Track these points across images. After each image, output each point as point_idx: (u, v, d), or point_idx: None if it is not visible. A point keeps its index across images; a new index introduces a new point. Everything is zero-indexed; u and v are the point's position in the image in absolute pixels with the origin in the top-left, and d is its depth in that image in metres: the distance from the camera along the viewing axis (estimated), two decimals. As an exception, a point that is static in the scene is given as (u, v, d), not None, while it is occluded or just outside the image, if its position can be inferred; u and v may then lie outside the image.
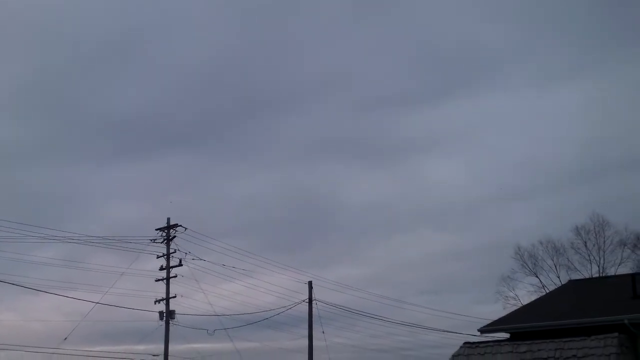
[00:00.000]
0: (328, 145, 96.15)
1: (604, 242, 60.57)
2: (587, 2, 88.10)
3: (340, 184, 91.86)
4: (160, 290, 40.64)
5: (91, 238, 40.44)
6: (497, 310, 58.13)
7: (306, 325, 43.20)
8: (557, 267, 61.71)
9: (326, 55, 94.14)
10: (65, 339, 37.13)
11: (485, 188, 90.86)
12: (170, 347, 40.44)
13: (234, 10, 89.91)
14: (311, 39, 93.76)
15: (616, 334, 21.10)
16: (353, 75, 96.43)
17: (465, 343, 24.60)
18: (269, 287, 51.50)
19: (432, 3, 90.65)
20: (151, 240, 40.65)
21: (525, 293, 61.47)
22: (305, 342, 43.16)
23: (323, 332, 43.07)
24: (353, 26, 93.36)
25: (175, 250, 40.71)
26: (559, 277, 60.54)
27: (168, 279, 40.56)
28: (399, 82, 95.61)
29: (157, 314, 40.19)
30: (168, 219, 41.15)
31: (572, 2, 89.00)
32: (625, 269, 57.02)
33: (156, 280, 40.86)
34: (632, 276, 26.32)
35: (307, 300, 43.09)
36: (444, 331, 44.70)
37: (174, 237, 40.87)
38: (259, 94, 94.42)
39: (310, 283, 43.55)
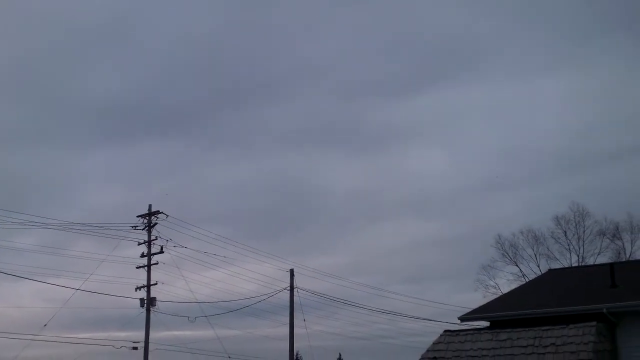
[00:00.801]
0: (311, 133, 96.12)
1: (584, 231, 61.14)
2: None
3: (322, 172, 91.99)
4: (141, 277, 40.58)
5: (72, 224, 40.22)
6: (477, 299, 58.62)
7: (287, 313, 43.33)
8: (537, 256, 62.23)
9: (309, 43, 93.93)
10: (45, 325, 36.96)
11: (466, 177, 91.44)
12: (151, 334, 40.40)
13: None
14: (294, 27, 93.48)
15: (594, 323, 21.29)
16: (336, 63, 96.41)
17: (445, 331, 24.74)
18: (251, 275, 51.51)
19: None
20: (132, 227, 40.49)
21: (505, 282, 61.98)
22: (287, 329, 43.31)
23: (304, 320, 43.27)
24: (336, 14, 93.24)
25: (156, 237, 40.58)
26: (538, 266, 61.08)
27: (149, 266, 40.40)
28: (381, 71, 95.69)
29: (138, 301, 40.09)
30: (150, 206, 41.00)
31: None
32: (604, 259, 57.68)
33: (137, 268, 40.71)
34: (611, 265, 26.55)
35: (289, 288, 43.16)
36: (425, 319, 45.07)
37: (156, 224, 40.72)
38: (242, 82, 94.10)
39: (291, 271, 43.64)
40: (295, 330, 43.08)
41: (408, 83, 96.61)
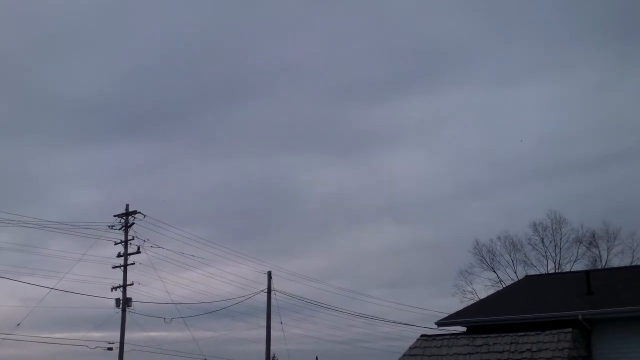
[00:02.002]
0: (291, 135, 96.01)
1: (561, 238, 61.57)
2: (551, 3, 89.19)
3: (302, 174, 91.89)
4: (117, 277, 40.28)
5: (48, 223, 39.81)
6: (455, 304, 58.76)
7: (264, 315, 43.15)
8: (514, 262, 62.56)
9: (291, 45, 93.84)
10: (19, 324, 36.55)
11: (446, 182, 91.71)
12: (127, 335, 40.09)
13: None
14: (276, 28, 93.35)
15: (570, 329, 21.41)
16: (318, 66, 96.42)
17: (422, 336, 24.74)
18: (229, 277, 51.35)
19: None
20: (109, 226, 40.18)
21: (483, 287, 62.24)
22: (264, 332, 43.13)
23: (281, 323, 43.06)
24: (319, 16, 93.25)
25: (133, 237, 40.31)
26: (515, 273, 61.38)
27: (125, 266, 40.10)
28: (363, 75, 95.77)
29: (114, 301, 39.77)
30: (127, 206, 40.71)
31: (536, 2, 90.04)
32: (580, 266, 58.11)
33: (113, 267, 40.40)
34: (587, 273, 26.73)
35: (266, 290, 43.00)
36: (402, 324, 45.03)
37: (133, 224, 40.44)
38: (222, 82, 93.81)
39: (269, 273, 43.48)
40: (272, 333, 42.95)
41: (390, 87, 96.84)
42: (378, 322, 46.92)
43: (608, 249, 59.79)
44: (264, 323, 43.09)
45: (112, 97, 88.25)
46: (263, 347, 43.29)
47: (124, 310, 39.57)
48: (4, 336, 36.13)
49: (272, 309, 42.89)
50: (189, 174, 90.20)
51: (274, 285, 43.18)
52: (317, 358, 75.46)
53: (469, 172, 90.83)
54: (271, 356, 45.67)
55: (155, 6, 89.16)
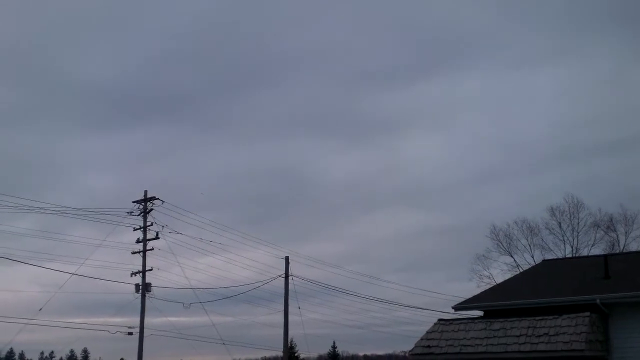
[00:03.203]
0: (308, 120, 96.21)
1: (578, 223, 61.35)
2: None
3: (319, 159, 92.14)
4: (136, 263, 40.69)
5: (68, 209, 40.22)
6: (472, 289, 58.91)
7: (282, 301, 43.42)
8: (532, 246, 62.45)
9: (308, 31, 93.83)
10: (40, 309, 37.05)
11: (462, 167, 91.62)
12: (146, 320, 40.54)
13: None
14: (292, 14, 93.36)
15: (588, 314, 21.43)
16: (335, 51, 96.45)
17: (439, 320, 24.86)
18: (246, 262, 51.64)
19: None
20: (128, 212, 40.52)
21: (500, 272, 62.22)
22: (281, 317, 43.42)
23: (299, 308, 43.36)
24: (337, 2, 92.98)
25: (152, 223, 40.63)
26: (532, 257, 61.31)
27: (144, 251, 40.47)
28: (379, 60, 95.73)
29: (134, 287, 40.16)
30: (145, 192, 41.03)
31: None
32: (598, 250, 57.94)
33: (132, 253, 40.77)
34: (605, 257, 26.69)
35: (284, 276, 43.25)
36: (419, 308, 45.39)
37: (151, 209, 40.76)
38: (238, 68, 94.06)
39: (287, 258, 43.71)
40: (290, 318, 43.24)
41: (406, 73, 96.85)
42: (394, 306, 47.20)
43: (626, 233, 59.58)
44: (282, 308, 43.40)
45: (129, 84, 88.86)
46: (281, 331, 43.64)
47: (143, 296, 39.97)
48: (26, 321, 36.69)
49: (290, 294, 43.20)
50: (206, 159, 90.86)
51: (292, 270, 43.47)
52: (334, 342, 75.69)
53: (485, 156, 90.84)
54: (289, 341, 46.02)
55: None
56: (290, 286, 43.13)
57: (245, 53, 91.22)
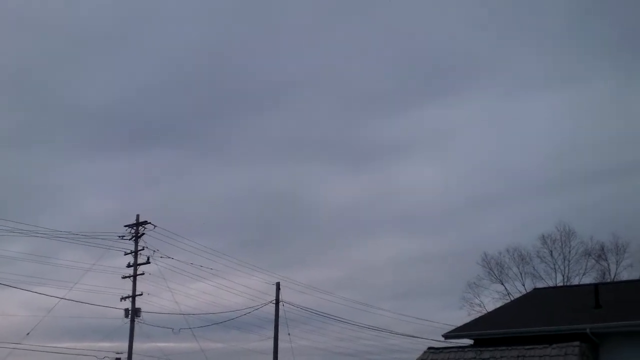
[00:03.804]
0: (303, 146, 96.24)
1: (569, 251, 61.38)
2: (562, 15, 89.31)
3: (313, 185, 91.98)
4: (127, 287, 40.43)
5: (59, 233, 40.06)
6: (462, 317, 58.65)
7: (273, 327, 43.19)
8: (523, 275, 62.37)
9: (304, 55, 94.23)
10: (28, 334, 36.75)
11: (456, 194, 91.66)
12: (135, 345, 40.21)
13: (214, 6, 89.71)
14: (289, 37, 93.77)
15: (578, 343, 21.41)
16: (331, 75, 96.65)
17: (429, 348, 24.78)
18: (238, 288, 51.41)
19: (414, 9, 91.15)
20: (119, 236, 40.40)
21: (491, 300, 62.06)
22: (272, 343, 43.16)
23: (289, 334, 43.08)
24: (333, 26, 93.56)
25: (143, 247, 40.48)
26: (524, 285, 61.21)
27: (135, 276, 40.29)
28: (376, 86, 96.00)
29: (123, 312, 39.93)
30: (137, 216, 40.93)
31: (548, 14, 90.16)
32: (589, 279, 57.89)
33: (123, 278, 40.56)
34: (595, 286, 26.71)
35: (274, 302, 43.08)
36: (409, 336, 45.02)
37: (143, 234, 40.64)
38: (235, 91, 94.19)
39: (277, 284, 43.56)
40: (280, 345, 42.96)
41: (402, 99, 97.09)
42: (386, 334, 46.92)
43: (617, 262, 59.62)
44: (272, 335, 43.16)
45: (125, 109, 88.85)
46: (271, 358, 43.33)
47: (132, 321, 39.72)
48: (13, 346, 36.36)
49: (280, 320, 42.97)
50: (202, 184, 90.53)
51: (283, 297, 43.28)
52: (325, 370, 75.42)
53: (479, 183, 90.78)
54: (279, 367, 45.67)
55: (174, 15, 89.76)
56: (281, 312, 42.98)
57: (243, 77, 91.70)
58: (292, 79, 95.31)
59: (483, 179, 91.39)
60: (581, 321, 22.89)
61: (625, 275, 57.89)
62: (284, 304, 43.05)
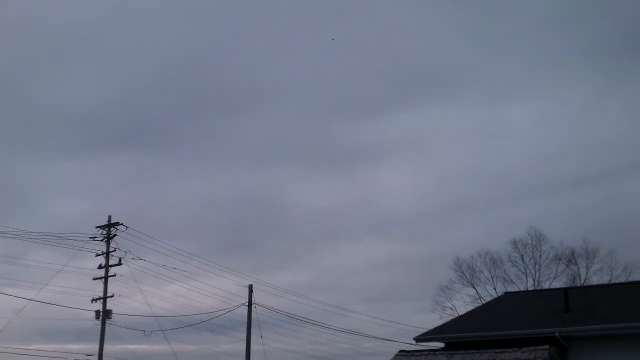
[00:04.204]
0: (279, 150, 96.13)
1: (540, 256, 62.03)
2: (541, 21, 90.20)
3: (288, 188, 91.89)
4: (98, 289, 40.11)
5: (30, 233, 39.62)
6: (434, 320, 58.95)
7: (245, 329, 43.07)
8: (494, 278, 62.91)
9: (280, 61, 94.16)
10: (-4, 336, 36.28)
11: (430, 199, 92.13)
12: (106, 347, 39.90)
13: (190, 10, 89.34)
14: (266, 42, 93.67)
15: (547, 347, 21.62)
16: (307, 82, 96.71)
17: (400, 351, 24.88)
18: (211, 290, 51.28)
19: (389, 15, 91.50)
20: (91, 237, 40.05)
21: (462, 303, 62.51)
22: (244, 346, 43.03)
23: (262, 337, 43.00)
24: (307, 34, 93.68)
25: (115, 249, 40.17)
26: (495, 289, 61.73)
27: (106, 277, 39.98)
28: (352, 91, 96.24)
29: (94, 313, 39.58)
30: (109, 217, 40.62)
31: (527, 21, 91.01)
32: (559, 283, 58.56)
33: (94, 279, 40.22)
34: (565, 290, 26.99)
35: (247, 304, 42.97)
36: (381, 339, 45.16)
37: (115, 235, 40.34)
38: (210, 95, 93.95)
39: (250, 287, 43.47)
40: (253, 347, 42.86)
41: (378, 104, 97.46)
42: (359, 337, 47.02)
43: (587, 267, 60.37)
44: (245, 337, 43.03)
45: (99, 111, 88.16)
46: (243, 360, 43.19)
47: (103, 322, 39.40)
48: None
49: (253, 322, 42.87)
50: (176, 187, 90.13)
51: (256, 299, 43.22)
52: (297, 373, 75.38)
53: (454, 189, 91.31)
54: (251, 370, 45.51)
55: (151, 19, 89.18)
56: (253, 315, 42.87)
57: (220, 81, 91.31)
58: (268, 83, 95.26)
59: (457, 184, 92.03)
60: (551, 325, 23.13)
61: (595, 280, 58.66)
62: (257, 306, 43.01)
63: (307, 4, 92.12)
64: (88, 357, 39.62)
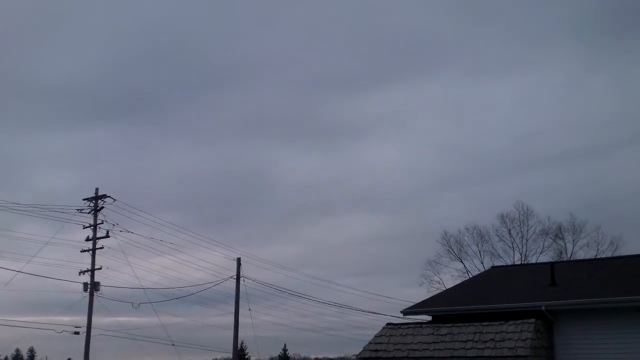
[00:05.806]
0: (266, 124, 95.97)
1: (527, 230, 62.42)
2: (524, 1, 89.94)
3: (276, 163, 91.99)
4: (86, 261, 40.04)
5: (17, 205, 39.37)
6: (422, 294, 59.41)
7: (234, 302, 43.17)
8: (482, 253, 63.33)
9: (268, 35, 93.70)
10: (-16, 307, 36.22)
11: (417, 173, 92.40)
12: (95, 320, 39.91)
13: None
14: (254, 18, 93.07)
15: (533, 320, 21.79)
16: (294, 57, 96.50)
17: (387, 324, 25.02)
18: (200, 263, 51.24)
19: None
20: (78, 210, 39.86)
21: (450, 277, 62.96)
22: (232, 318, 43.16)
23: (250, 310, 43.16)
24: (297, 9, 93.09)
25: (102, 221, 40.04)
26: (482, 263, 62.17)
27: (94, 250, 39.88)
28: (338, 66, 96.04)
29: (82, 285, 39.53)
30: (97, 189, 40.42)
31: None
32: (546, 258, 59.06)
33: (82, 251, 40.13)
34: (551, 265, 27.18)
35: (235, 277, 43.04)
36: (369, 312, 45.41)
37: (102, 207, 40.18)
38: (198, 70, 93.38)
39: (238, 260, 43.51)
40: (241, 320, 43.01)
41: (364, 80, 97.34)
42: (347, 310, 47.30)
43: (573, 241, 60.86)
44: (233, 310, 43.14)
45: (87, 83, 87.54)
46: (232, 333, 43.37)
47: (91, 295, 39.36)
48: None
49: (241, 295, 42.99)
50: (164, 160, 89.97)
51: (245, 272, 43.29)
52: (285, 345, 75.56)
53: (441, 164, 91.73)
54: (239, 342, 45.77)
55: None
56: (242, 288, 42.96)
57: (205, 55, 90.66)
58: (253, 59, 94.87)
59: (445, 160, 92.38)
60: (537, 299, 23.30)
61: (581, 255, 59.20)
62: (245, 279, 43.09)
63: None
64: (76, 329, 39.58)
